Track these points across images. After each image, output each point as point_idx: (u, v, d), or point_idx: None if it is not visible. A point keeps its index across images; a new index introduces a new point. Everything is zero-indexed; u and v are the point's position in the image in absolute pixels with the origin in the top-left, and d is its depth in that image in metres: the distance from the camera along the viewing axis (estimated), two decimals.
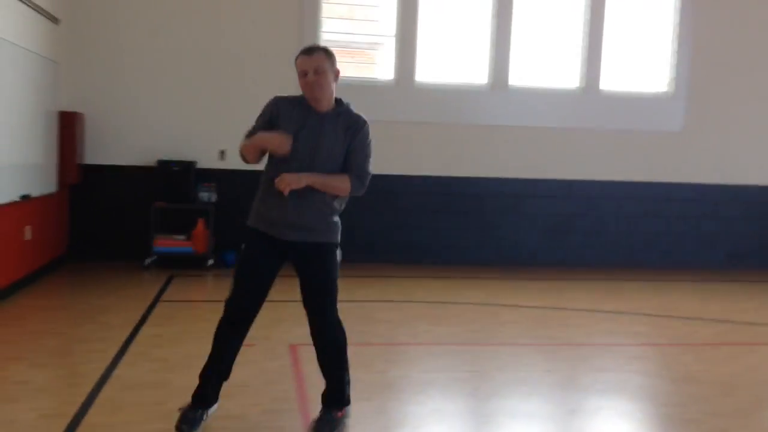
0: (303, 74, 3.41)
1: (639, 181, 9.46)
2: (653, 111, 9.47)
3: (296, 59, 3.46)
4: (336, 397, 3.64)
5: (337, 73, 3.48)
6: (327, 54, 3.45)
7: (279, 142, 3.34)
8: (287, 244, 3.52)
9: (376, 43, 9.75)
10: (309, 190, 3.40)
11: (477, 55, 9.16)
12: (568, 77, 9.33)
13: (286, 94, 3.61)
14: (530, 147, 9.23)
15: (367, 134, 3.55)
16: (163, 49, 8.53)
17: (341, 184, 3.48)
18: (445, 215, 9.15)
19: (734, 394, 4.47)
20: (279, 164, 3.42)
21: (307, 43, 9.37)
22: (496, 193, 9.21)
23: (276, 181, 3.35)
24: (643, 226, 9.53)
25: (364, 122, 3.54)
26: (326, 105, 3.46)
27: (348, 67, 9.65)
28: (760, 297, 7.81)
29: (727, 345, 5.74)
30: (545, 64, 9.32)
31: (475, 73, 9.16)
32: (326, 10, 8.98)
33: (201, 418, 3.58)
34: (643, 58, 9.51)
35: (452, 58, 9.20)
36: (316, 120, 3.45)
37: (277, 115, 3.48)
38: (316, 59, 3.41)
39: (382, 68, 9.37)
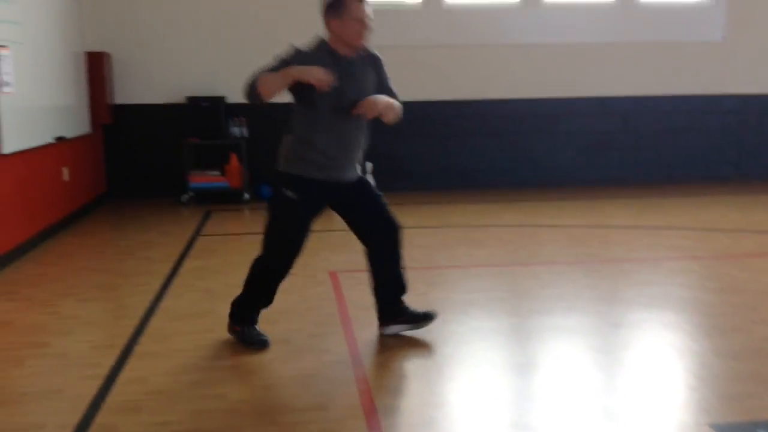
0: (361, 19, 3.43)
1: (678, 94, 9.19)
2: (693, 21, 9.12)
3: (349, 3, 3.41)
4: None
5: None
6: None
7: (322, 74, 3.29)
8: (342, 186, 3.61)
9: None
10: (361, 125, 3.55)
11: None
12: None
13: (300, 43, 3.52)
14: (565, 65, 8.99)
15: (383, 63, 3.69)
16: None
17: (397, 108, 3.59)
18: (479, 139, 9.04)
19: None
20: (326, 110, 3.43)
21: None
22: (531, 114, 9.04)
23: (360, 105, 3.37)
24: (683, 140, 9.31)
25: (379, 55, 3.68)
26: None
27: None
28: None
29: None
30: None
31: None
32: None
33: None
34: None
35: None
36: (349, 65, 3.49)
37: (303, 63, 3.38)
38: (368, 7, 3.48)
39: None
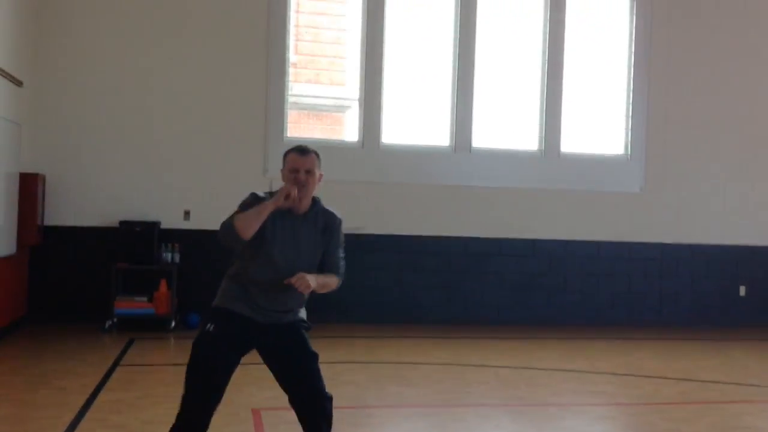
0: (294, 171, 3.40)
1: (601, 240, 9.61)
2: (612, 173, 9.70)
3: (287, 155, 3.46)
4: None
5: (320, 176, 3.49)
6: (317, 156, 3.50)
7: (287, 191, 3.29)
8: (271, 331, 3.44)
9: (343, 106, 9.91)
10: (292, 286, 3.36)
11: (441, 117, 9.35)
12: (529, 140, 9.56)
13: (258, 192, 3.49)
14: (494, 207, 9.36)
15: (341, 231, 3.56)
16: (125, 109, 8.55)
17: (332, 284, 3.53)
18: (411, 274, 9.16)
19: None
20: (260, 263, 3.36)
21: (274, 107, 9.50)
22: (461, 252, 9.27)
23: (294, 280, 3.28)
24: (607, 284, 9.64)
25: (340, 220, 3.55)
26: (305, 206, 3.46)
27: (315, 129, 9.79)
28: (723, 354, 7.90)
29: (692, 404, 5.76)
30: (507, 127, 9.54)
31: (439, 135, 9.33)
32: (293, 73, 9.13)
33: None
34: (601, 122, 9.80)
35: (417, 121, 9.38)
36: (294, 222, 3.43)
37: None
38: (309, 160, 3.43)
39: (349, 130, 9.50)
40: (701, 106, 9.81)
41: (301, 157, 3.43)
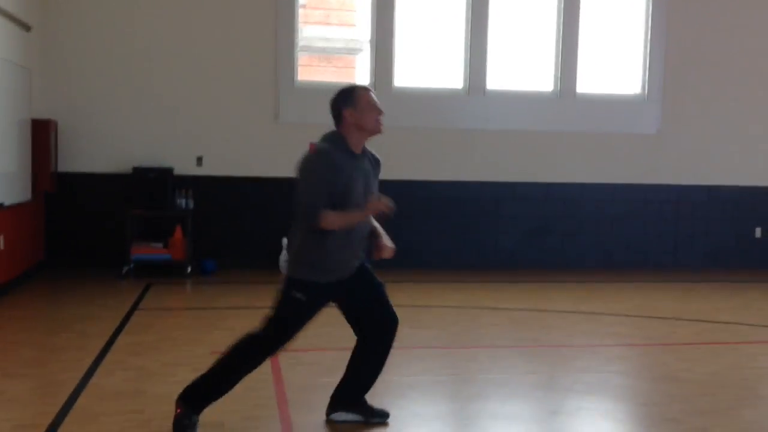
0: (378, 111, 3.61)
1: (616, 182, 9.52)
2: (628, 114, 9.54)
3: (361, 93, 3.60)
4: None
5: None
6: None
7: (379, 206, 3.52)
8: (345, 281, 3.66)
9: (355, 49, 9.76)
10: (368, 220, 3.71)
11: (454, 59, 9.18)
12: (544, 81, 9.39)
13: (316, 141, 3.62)
14: (508, 151, 9.26)
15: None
16: (136, 54, 8.46)
17: None
18: (424, 219, 9.14)
19: (714, 392, 4.49)
20: (340, 208, 3.49)
21: (283, 49, 9.35)
22: (475, 196, 9.23)
23: (373, 205, 3.53)
24: (621, 227, 9.59)
25: (379, 159, 3.86)
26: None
27: (326, 73, 9.67)
28: (738, 297, 7.88)
29: (707, 344, 5.77)
30: (521, 68, 9.37)
31: (453, 77, 9.18)
32: (302, 15, 8.96)
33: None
34: (618, 62, 9.59)
35: (430, 63, 9.21)
36: (359, 162, 3.62)
37: (333, 172, 3.48)
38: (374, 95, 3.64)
39: (361, 73, 9.36)
40: (720, 45, 9.58)
41: (376, 97, 3.64)
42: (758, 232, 9.86)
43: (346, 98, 3.57)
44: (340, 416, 3.80)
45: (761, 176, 9.76)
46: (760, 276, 9.15)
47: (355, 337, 3.79)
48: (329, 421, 3.81)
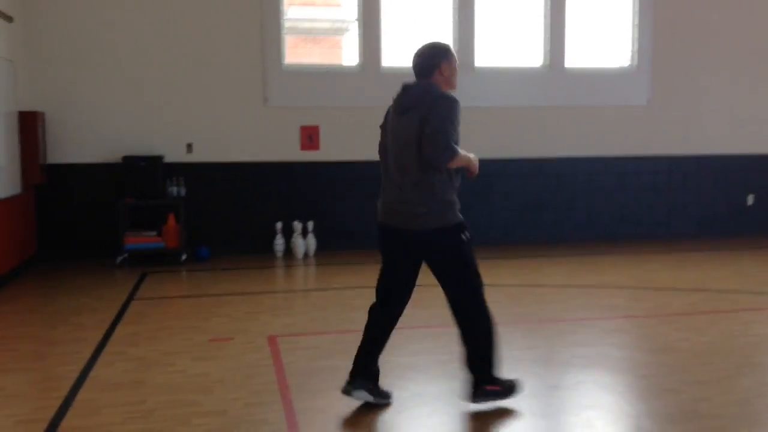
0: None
1: (608, 155, 9.53)
2: (619, 86, 9.53)
3: (453, 54, 3.82)
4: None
5: None
6: None
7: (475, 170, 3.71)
8: None
9: (341, 29, 9.68)
10: None
11: (442, 37, 9.11)
12: (533, 56, 9.34)
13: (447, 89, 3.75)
14: (499, 127, 9.24)
15: None
16: (121, 42, 8.37)
17: None
18: None
19: (712, 362, 4.53)
20: (458, 170, 3.71)
21: (269, 31, 9.24)
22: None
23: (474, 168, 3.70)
24: (614, 199, 9.62)
25: None
26: None
27: (313, 55, 9.59)
28: (732, 264, 7.93)
29: (703, 314, 5.81)
30: (510, 43, 9.32)
31: None
32: None
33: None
34: (606, 35, 9.56)
35: (417, 42, 9.12)
36: None
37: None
38: None
39: (348, 54, 9.29)
40: (708, 15, 9.56)
41: None
42: (750, 199, 9.90)
43: (446, 53, 3.76)
44: (360, 395, 3.80)
45: (751, 145, 9.79)
46: (752, 243, 9.21)
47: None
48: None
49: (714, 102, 9.71)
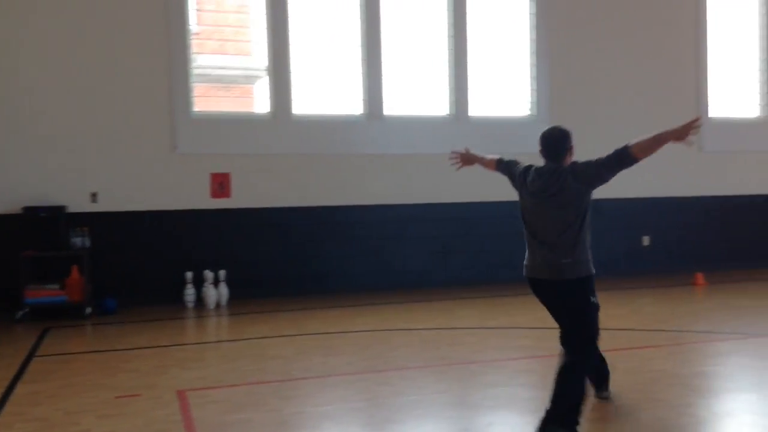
0: None
1: (512, 200, 9.85)
2: (519, 133, 9.93)
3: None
4: None
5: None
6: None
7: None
8: None
9: (252, 77, 9.73)
10: None
11: (351, 85, 9.32)
12: (439, 105, 9.67)
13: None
14: (409, 173, 9.46)
15: None
16: (20, 90, 8.15)
17: None
18: (332, 244, 9.19)
19: (616, 398, 4.72)
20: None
21: (177, 79, 9.19)
22: (380, 219, 9.36)
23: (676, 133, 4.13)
24: (523, 243, 9.91)
25: None
26: None
27: (224, 103, 9.58)
28: (631, 303, 8.31)
29: (606, 352, 6.04)
30: (417, 93, 9.62)
31: (351, 103, 9.31)
32: (196, 44, 8.87)
33: None
34: (507, 86, 10.02)
35: (327, 90, 9.32)
36: None
37: None
38: None
39: (259, 102, 9.35)
40: (601, 67, 10.16)
41: None
42: (646, 240, 10.45)
43: (571, 138, 4.41)
44: None
45: (645, 188, 10.36)
46: (648, 282, 9.68)
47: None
48: None
49: (610, 148, 10.21)
